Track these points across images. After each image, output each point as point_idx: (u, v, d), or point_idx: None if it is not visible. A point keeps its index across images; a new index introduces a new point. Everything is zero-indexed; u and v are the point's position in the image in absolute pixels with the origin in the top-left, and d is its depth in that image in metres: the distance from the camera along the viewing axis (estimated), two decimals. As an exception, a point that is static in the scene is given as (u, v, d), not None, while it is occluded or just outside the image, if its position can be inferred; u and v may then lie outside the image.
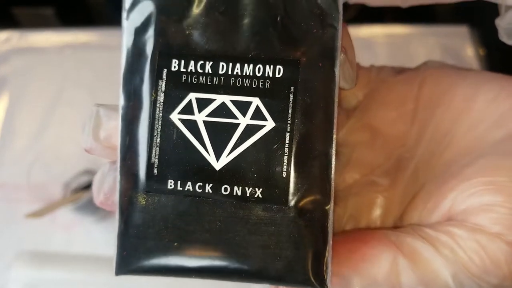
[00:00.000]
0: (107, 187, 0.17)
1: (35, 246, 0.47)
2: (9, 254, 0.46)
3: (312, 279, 0.15)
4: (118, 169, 0.16)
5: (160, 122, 0.16)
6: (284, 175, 0.15)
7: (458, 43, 0.55)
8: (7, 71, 0.57)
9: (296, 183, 0.15)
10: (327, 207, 0.15)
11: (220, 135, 0.15)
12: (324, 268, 0.15)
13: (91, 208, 0.46)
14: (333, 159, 0.15)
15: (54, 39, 0.58)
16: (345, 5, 0.16)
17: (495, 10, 0.18)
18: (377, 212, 0.21)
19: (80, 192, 0.47)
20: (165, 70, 0.16)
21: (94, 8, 0.62)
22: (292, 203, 0.15)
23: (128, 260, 0.16)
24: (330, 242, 0.16)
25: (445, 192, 0.18)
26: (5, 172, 0.52)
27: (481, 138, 0.19)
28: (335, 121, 0.16)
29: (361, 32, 0.56)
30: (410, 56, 0.54)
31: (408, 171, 0.20)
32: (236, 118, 0.15)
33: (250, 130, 0.15)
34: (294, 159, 0.15)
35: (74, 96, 0.55)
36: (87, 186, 0.47)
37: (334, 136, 0.15)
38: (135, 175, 0.16)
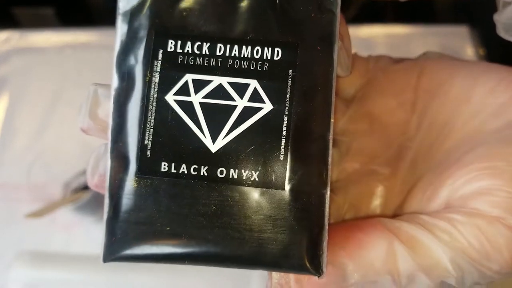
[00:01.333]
0: (103, 168, 0.17)
1: (35, 246, 0.47)
2: (9, 254, 0.46)
3: (307, 264, 0.15)
4: (109, 151, 0.16)
5: (154, 103, 0.15)
6: (281, 158, 0.15)
7: (458, 43, 0.55)
8: (7, 71, 0.57)
9: (293, 166, 0.15)
10: (323, 191, 0.15)
11: (216, 117, 0.15)
12: (320, 253, 0.15)
13: (91, 208, 0.46)
14: (330, 143, 0.15)
15: (54, 39, 0.58)
16: (345, 4, 0.16)
17: (494, 9, 0.18)
18: (377, 201, 0.20)
19: (80, 192, 0.47)
20: (160, 51, 0.15)
21: (94, 8, 0.62)
22: (288, 186, 0.15)
23: (117, 246, 0.15)
24: (326, 227, 0.15)
25: (444, 179, 0.18)
26: (5, 172, 0.51)
27: (480, 128, 0.19)
28: (332, 105, 0.15)
29: (361, 32, 0.56)
30: (410, 56, 0.54)
31: (408, 160, 0.20)
32: (233, 100, 0.15)
33: (247, 112, 0.15)
34: (292, 142, 0.15)
35: (74, 96, 0.55)
36: (87, 186, 0.47)
37: (332, 120, 0.15)
38: (127, 157, 0.15)
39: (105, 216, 0.16)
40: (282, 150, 0.15)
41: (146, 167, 0.15)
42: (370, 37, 0.56)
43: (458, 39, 0.55)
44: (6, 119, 0.55)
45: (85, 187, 0.47)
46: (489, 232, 0.16)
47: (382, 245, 0.16)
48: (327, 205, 0.15)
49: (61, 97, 0.55)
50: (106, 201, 0.16)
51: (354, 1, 0.52)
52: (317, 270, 0.15)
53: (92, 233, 0.48)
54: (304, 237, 0.15)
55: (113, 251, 0.15)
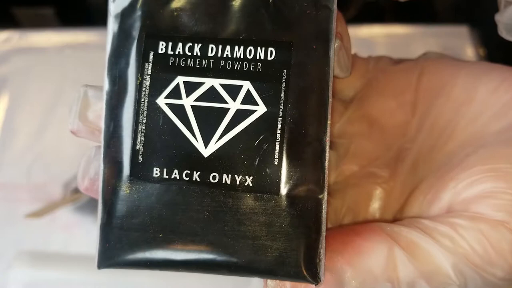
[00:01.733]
0: (93, 172, 0.17)
1: (35, 246, 0.47)
2: (9, 254, 0.46)
3: (304, 272, 0.15)
4: (102, 157, 0.15)
5: (146, 106, 0.15)
6: (276, 163, 0.15)
7: (458, 43, 0.55)
8: (7, 71, 0.57)
9: (288, 171, 0.15)
10: (320, 196, 0.15)
11: (208, 120, 0.15)
12: (317, 260, 0.15)
13: (91, 208, 0.46)
14: (327, 147, 0.15)
15: (54, 39, 0.58)
16: (345, 4, 0.16)
17: (495, 9, 0.18)
18: (376, 205, 0.20)
19: (80, 192, 0.47)
20: (151, 53, 0.15)
21: (94, 8, 0.62)
22: (284, 192, 0.15)
23: (111, 253, 0.15)
24: (324, 233, 0.15)
25: (445, 182, 0.17)
26: (5, 172, 0.51)
27: (482, 129, 0.18)
28: (329, 106, 0.15)
29: (361, 32, 0.56)
30: (410, 56, 0.54)
31: (408, 162, 0.20)
32: (225, 102, 0.15)
33: (240, 115, 0.15)
34: (286, 145, 0.15)
35: (74, 96, 0.55)
36: (87, 186, 0.47)
37: (329, 122, 0.15)
38: (119, 162, 0.15)
39: (99, 222, 0.15)
40: (277, 154, 0.15)
41: (138, 173, 0.15)
42: (370, 37, 0.56)
43: (458, 39, 0.55)
44: (6, 119, 0.55)
45: (85, 187, 0.47)
46: (492, 236, 0.16)
47: (381, 251, 0.16)
48: (324, 211, 0.15)
49: (61, 97, 0.55)
50: (100, 206, 0.15)
51: (354, 1, 0.52)
52: (314, 278, 0.15)
53: (91, 233, 0.48)
54: (300, 244, 0.15)
55: (108, 257, 0.15)
